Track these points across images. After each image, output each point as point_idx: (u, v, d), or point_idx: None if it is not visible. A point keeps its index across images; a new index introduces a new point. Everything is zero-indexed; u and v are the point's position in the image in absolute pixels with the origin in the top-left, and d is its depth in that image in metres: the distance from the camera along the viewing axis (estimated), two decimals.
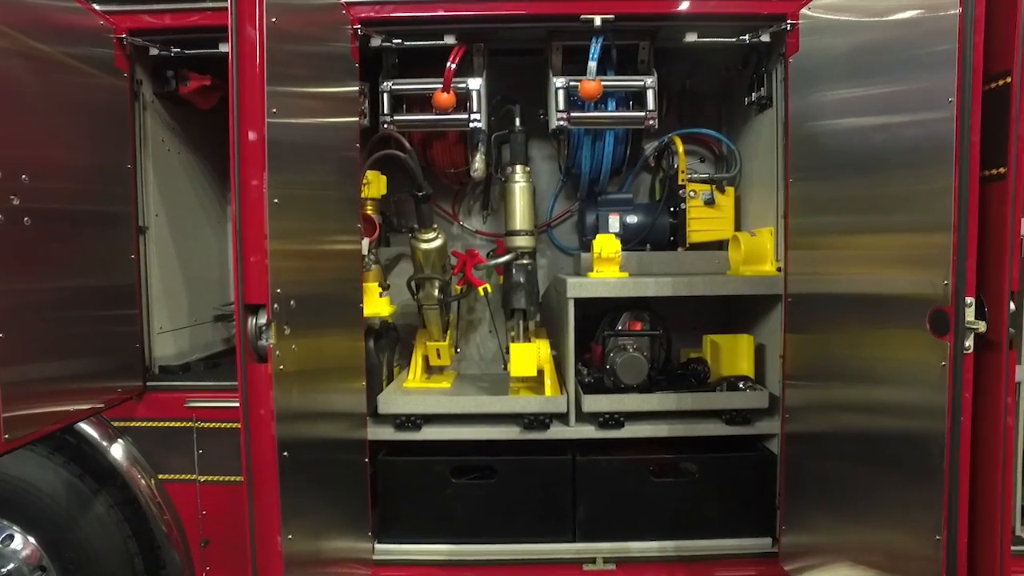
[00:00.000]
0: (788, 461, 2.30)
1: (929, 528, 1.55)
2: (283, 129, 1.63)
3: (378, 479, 2.41)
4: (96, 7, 2.16)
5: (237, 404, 2.21)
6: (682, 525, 2.43)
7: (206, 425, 2.33)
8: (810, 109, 2.09)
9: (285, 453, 1.59)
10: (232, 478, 2.34)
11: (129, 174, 2.29)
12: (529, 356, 2.44)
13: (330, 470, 2.04)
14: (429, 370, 2.91)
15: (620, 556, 2.40)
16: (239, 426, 2.20)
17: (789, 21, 2.19)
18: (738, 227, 2.82)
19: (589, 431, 2.44)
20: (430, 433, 2.44)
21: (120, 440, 2.33)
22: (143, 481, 2.34)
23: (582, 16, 2.24)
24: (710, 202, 2.78)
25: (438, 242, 2.53)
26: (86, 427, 2.30)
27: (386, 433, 2.44)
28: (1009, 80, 1.48)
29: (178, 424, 2.34)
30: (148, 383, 2.37)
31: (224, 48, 2.31)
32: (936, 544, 1.54)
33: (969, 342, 1.48)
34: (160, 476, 2.36)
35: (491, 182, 2.92)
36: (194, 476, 2.35)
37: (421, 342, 2.84)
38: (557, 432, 2.44)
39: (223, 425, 2.33)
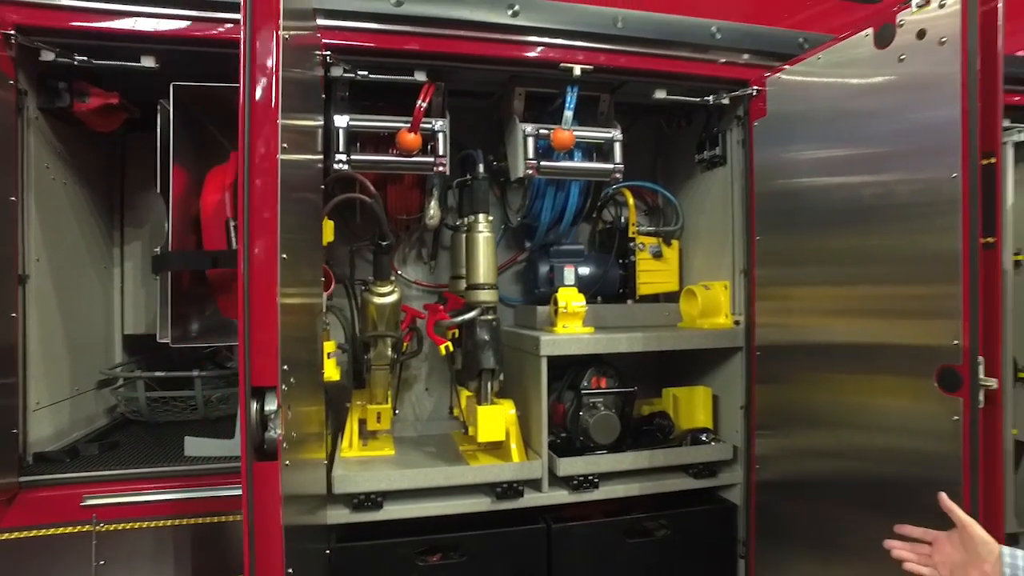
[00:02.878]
0: (759, 509, 2.33)
1: None
2: (287, 170, 1.34)
3: (332, 571, 2.05)
4: None
5: (154, 497, 1.84)
6: None
7: (111, 527, 1.84)
8: (780, 168, 2.19)
9: (291, 570, 1.26)
10: None
11: (12, 208, 1.79)
12: (498, 419, 2.25)
13: (304, 569, 1.68)
14: (363, 435, 2.59)
15: None
16: (157, 524, 1.81)
17: (754, 88, 2.30)
18: (681, 280, 2.88)
19: (563, 496, 2.30)
20: (393, 511, 2.14)
21: None
22: None
23: (562, 64, 2.18)
24: (658, 255, 2.82)
25: (394, 296, 2.28)
26: None
27: (340, 515, 2.10)
28: (994, 160, 1.64)
29: (70, 530, 1.82)
30: (23, 478, 1.83)
31: (147, 62, 1.93)
32: None
33: (981, 397, 1.59)
34: None
35: (438, 230, 2.72)
36: None
37: (357, 405, 2.53)
38: (531, 500, 2.27)
39: (136, 525, 1.85)
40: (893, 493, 1.82)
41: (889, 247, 1.81)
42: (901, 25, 1.71)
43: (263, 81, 1.22)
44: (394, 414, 2.63)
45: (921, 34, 1.66)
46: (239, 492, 1.82)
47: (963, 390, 1.59)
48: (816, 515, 2.10)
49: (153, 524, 1.86)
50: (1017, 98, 2.64)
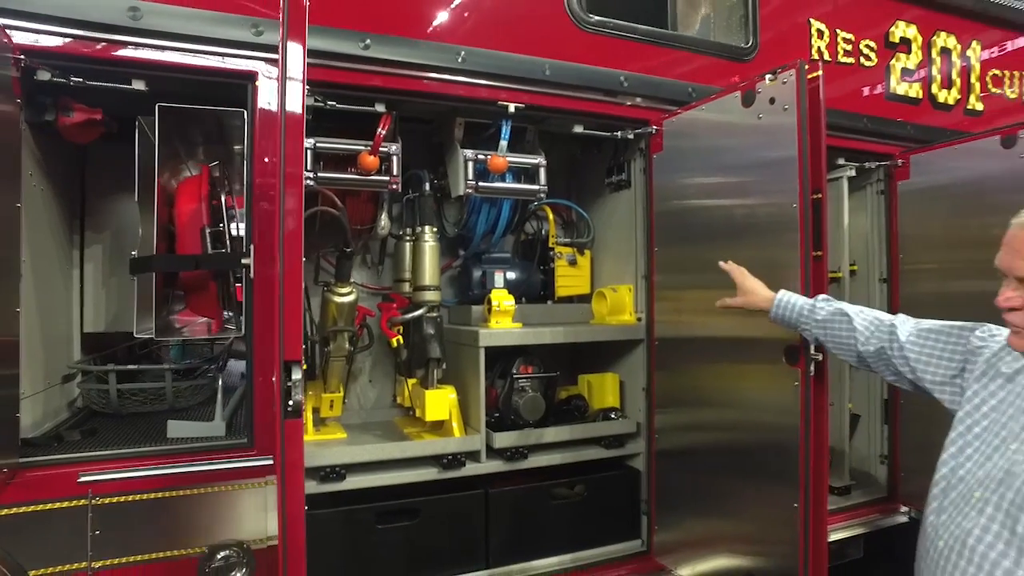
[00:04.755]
0: (658, 474, 2.85)
1: (789, 494, 2.17)
2: None
3: None
4: None
5: (146, 473, 2.08)
6: (575, 538, 2.81)
7: (105, 501, 2.05)
8: (674, 192, 2.74)
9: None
10: (137, 558, 2.08)
11: (18, 213, 1.97)
12: (443, 401, 2.65)
13: None
14: (315, 423, 2.88)
15: (529, 574, 2.68)
16: (148, 497, 2.04)
17: (653, 127, 2.83)
18: (593, 284, 3.39)
19: (498, 465, 2.71)
20: (354, 482, 2.47)
21: None
22: None
23: (499, 102, 2.61)
24: (573, 263, 3.31)
25: (352, 296, 2.61)
26: None
27: (309, 487, 2.37)
28: (820, 196, 2.23)
29: (67, 504, 2.01)
30: (22, 459, 2.00)
31: (138, 86, 2.17)
32: (794, 509, 2.17)
33: (812, 368, 2.17)
34: (32, 573, 1.98)
35: (384, 238, 3.06)
36: (84, 564, 2.03)
37: (311, 394, 2.82)
38: (471, 469, 2.66)
39: (128, 498, 2.07)
40: (757, 456, 2.38)
41: (753, 257, 2.36)
42: (759, 92, 2.28)
43: (295, 108, 1.55)
44: (344, 402, 2.94)
45: (772, 100, 2.23)
46: (224, 466, 2.15)
47: (800, 363, 2.17)
48: (702, 477, 2.63)
49: (145, 496, 2.08)
50: (851, 143, 3.37)
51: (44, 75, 2.06)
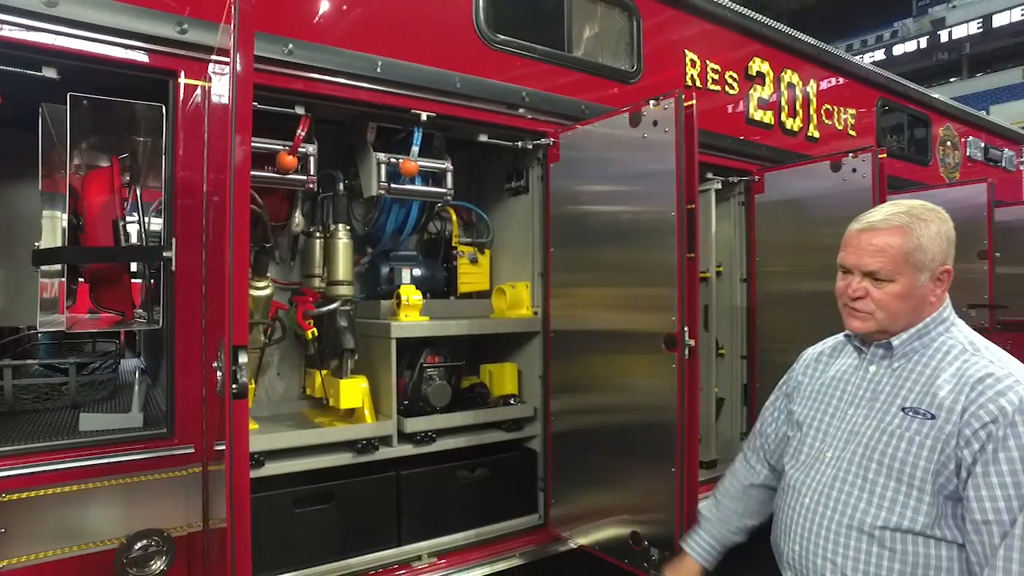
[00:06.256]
0: (554, 453, 3.15)
1: (667, 466, 2.54)
2: None
3: None
4: None
5: (58, 467, 2.08)
6: (479, 515, 3.05)
7: (12, 497, 2.01)
8: (569, 198, 3.05)
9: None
10: (48, 554, 2.06)
11: None
12: (356, 390, 2.79)
13: None
14: None
15: (438, 550, 2.88)
16: (62, 491, 2.04)
17: (551, 139, 3.13)
18: (492, 281, 3.64)
19: (408, 449, 2.90)
20: (272, 468, 2.55)
21: None
22: None
23: (412, 110, 2.79)
24: (474, 261, 3.55)
25: (269, 290, 2.70)
26: None
27: None
28: (694, 206, 2.62)
29: None
30: None
31: (48, 72, 2.14)
32: (672, 473, 2.54)
33: (686, 352, 2.55)
34: None
35: (297, 235, 3.13)
36: None
37: None
38: (383, 453, 2.82)
39: (39, 493, 2.04)
40: (641, 434, 2.72)
41: (638, 259, 2.72)
42: (644, 115, 2.64)
43: (242, 104, 1.66)
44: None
45: (655, 123, 2.60)
46: (142, 456, 2.18)
47: (677, 348, 2.54)
48: (593, 455, 2.95)
49: (58, 491, 2.06)
50: (718, 160, 3.87)
51: None
